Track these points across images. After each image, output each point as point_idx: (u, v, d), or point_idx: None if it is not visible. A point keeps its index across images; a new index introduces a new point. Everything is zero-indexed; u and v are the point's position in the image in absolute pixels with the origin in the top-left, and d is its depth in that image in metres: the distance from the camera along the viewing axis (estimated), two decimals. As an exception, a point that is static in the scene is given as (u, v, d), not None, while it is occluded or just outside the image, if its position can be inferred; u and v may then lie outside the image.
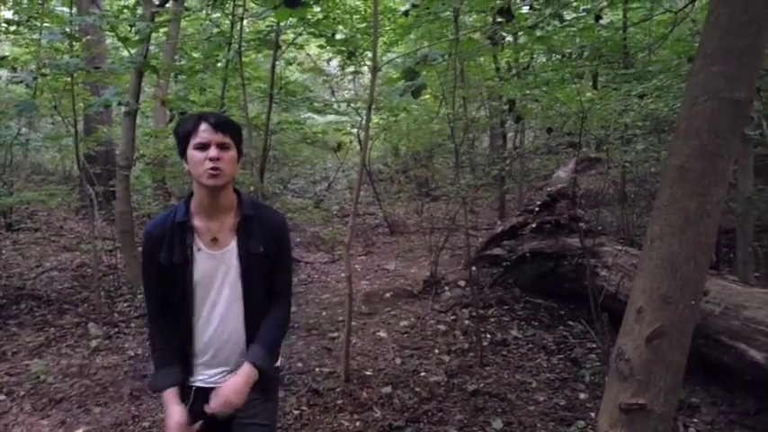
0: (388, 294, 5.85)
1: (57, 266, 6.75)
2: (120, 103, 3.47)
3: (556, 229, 5.42)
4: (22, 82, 3.82)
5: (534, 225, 5.71)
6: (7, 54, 4.04)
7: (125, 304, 5.65)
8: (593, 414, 3.16)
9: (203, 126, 1.67)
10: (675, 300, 1.54)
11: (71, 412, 3.50)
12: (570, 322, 4.61)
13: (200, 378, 1.84)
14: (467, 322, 4.81)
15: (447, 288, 5.76)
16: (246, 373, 1.76)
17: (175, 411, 1.74)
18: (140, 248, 7.45)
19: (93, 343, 4.60)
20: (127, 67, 4.08)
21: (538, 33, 3.53)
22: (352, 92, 15.17)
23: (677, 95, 3.16)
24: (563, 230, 5.35)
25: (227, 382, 1.77)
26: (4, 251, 7.03)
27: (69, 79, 5.00)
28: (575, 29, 3.99)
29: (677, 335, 1.57)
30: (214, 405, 1.73)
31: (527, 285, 5.34)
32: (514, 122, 5.82)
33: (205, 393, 1.79)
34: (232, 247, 1.78)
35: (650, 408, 1.57)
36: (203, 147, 1.66)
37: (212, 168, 1.64)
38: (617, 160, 5.74)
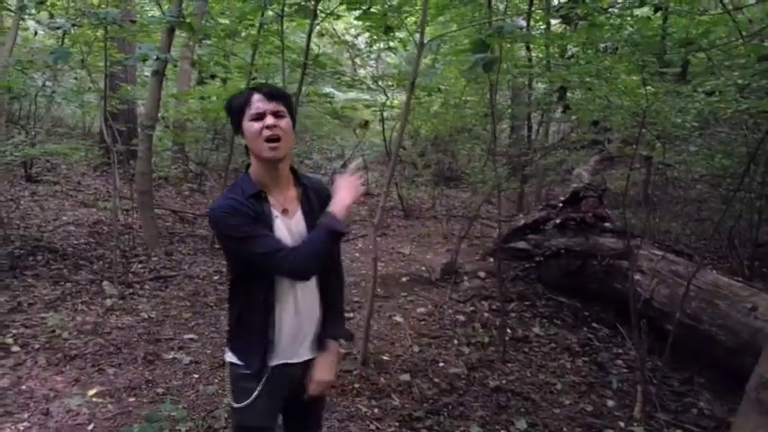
0: (404, 279, 5.75)
1: (74, 221, 6.70)
2: (158, 58, 3.34)
3: (581, 227, 5.30)
4: (59, 28, 3.69)
5: (558, 221, 5.58)
6: (45, -1, 3.93)
7: (140, 265, 5.58)
8: (621, 423, 3.05)
9: (256, 96, 1.67)
10: None
11: (85, 370, 3.45)
12: (595, 324, 4.49)
13: (281, 356, 1.80)
14: (486, 315, 4.71)
15: (466, 278, 5.65)
16: (335, 351, 1.86)
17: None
18: (157, 210, 7.31)
19: (108, 302, 4.55)
20: (164, 23, 3.94)
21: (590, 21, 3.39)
22: (374, 69, 14.94)
23: (747, 95, 3.01)
24: (590, 229, 5.23)
25: (319, 366, 1.83)
26: (23, 202, 6.98)
27: (102, 32, 4.88)
28: (630, 19, 3.82)
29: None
30: (314, 390, 1.82)
31: (550, 282, 5.21)
32: (562, 112, 5.62)
33: (282, 371, 1.79)
34: (299, 216, 1.78)
35: None
36: (259, 117, 1.65)
37: (270, 138, 1.64)
38: (653, 160, 5.54)
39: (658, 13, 3.75)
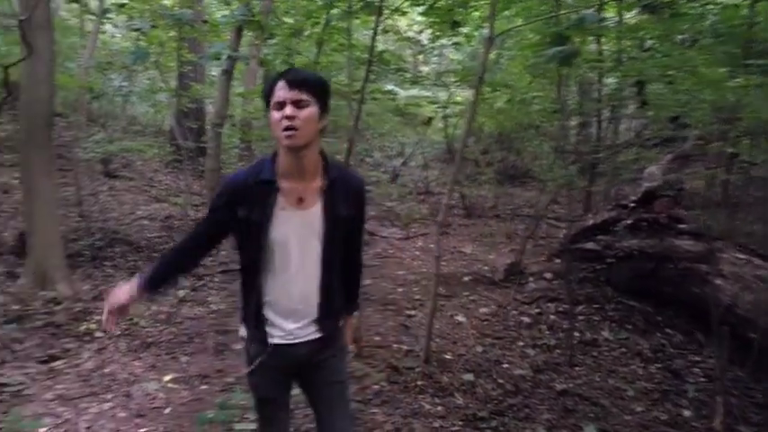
0: (466, 278, 5.69)
1: (147, 215, 7.03)
2: (229, 57, 3.46)
3: (654, 229, 5.05)
4: (139, 30, 3.90)
5: (630, 222, 5.35)
6: (126, 1, 4.16)
7: (209, 258, 5.78)
8: (700, 435, 2.91)
9: (280, 84, 1.65)
10: None
11: (160, 357, 3.62)
12: (668, 330, 4.27)
13: (278, 335, 1.81)
14: (553, 317, 4.58)
15: (531, 279, 5.52)
16: (352, 323, 2.16)
17: (125, 292, 1.88)
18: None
19: (181, 293, 4.76)
20: (235, 22, 4.07)
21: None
22: (437, 66, 14.78)
23: None
24: (665, 230, 4.98)
25: (348, 333, 2.07)
26: (101, 196, 7.40)
27: (174, 32, 5.10)
28: (713, 7, 3.60)
29: None
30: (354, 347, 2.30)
31: (620, 285, 4.99)
32: (639, 107, 5.37)
33: (282, 349, 1.81)
34: (317, 209, 1.74)
35: None
36: (280, 105, 1.64)
37: (287, 128, 1.61)
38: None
39: (746, 1, 3.51)
